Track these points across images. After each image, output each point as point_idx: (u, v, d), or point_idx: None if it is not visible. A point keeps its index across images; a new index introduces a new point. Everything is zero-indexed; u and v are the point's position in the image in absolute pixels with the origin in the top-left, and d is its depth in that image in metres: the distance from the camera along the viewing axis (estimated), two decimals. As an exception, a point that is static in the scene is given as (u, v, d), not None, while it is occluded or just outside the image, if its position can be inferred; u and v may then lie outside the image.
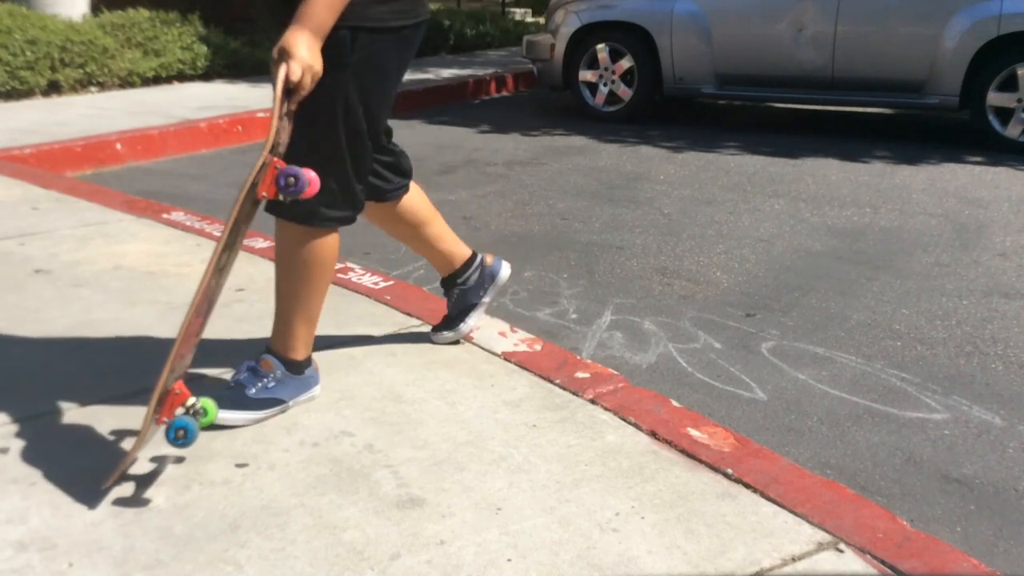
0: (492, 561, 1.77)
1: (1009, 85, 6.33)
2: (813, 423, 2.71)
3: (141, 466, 2.09)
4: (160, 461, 2.11)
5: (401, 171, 2.53)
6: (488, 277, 2.75)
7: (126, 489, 2.00)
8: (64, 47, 7.56)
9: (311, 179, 1.95)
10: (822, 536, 1.87)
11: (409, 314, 3.03)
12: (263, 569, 1.74)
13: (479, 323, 2.86)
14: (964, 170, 5.90)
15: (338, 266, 3.48)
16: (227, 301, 3.11)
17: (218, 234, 3.89)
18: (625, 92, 7.53)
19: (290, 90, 1.97)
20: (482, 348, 2.77)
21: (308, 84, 1.97)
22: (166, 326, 2.90)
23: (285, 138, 2.04)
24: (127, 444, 2.18)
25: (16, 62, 7.25)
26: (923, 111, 7.62)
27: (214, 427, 2.26)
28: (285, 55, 1.94)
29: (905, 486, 2.39)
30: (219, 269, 2.00)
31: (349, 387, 2.50)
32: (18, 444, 2.17)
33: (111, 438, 2.21)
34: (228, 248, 2.00)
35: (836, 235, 4.53)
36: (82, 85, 7.79)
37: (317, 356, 2.69)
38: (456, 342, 2.79)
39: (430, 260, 2.74)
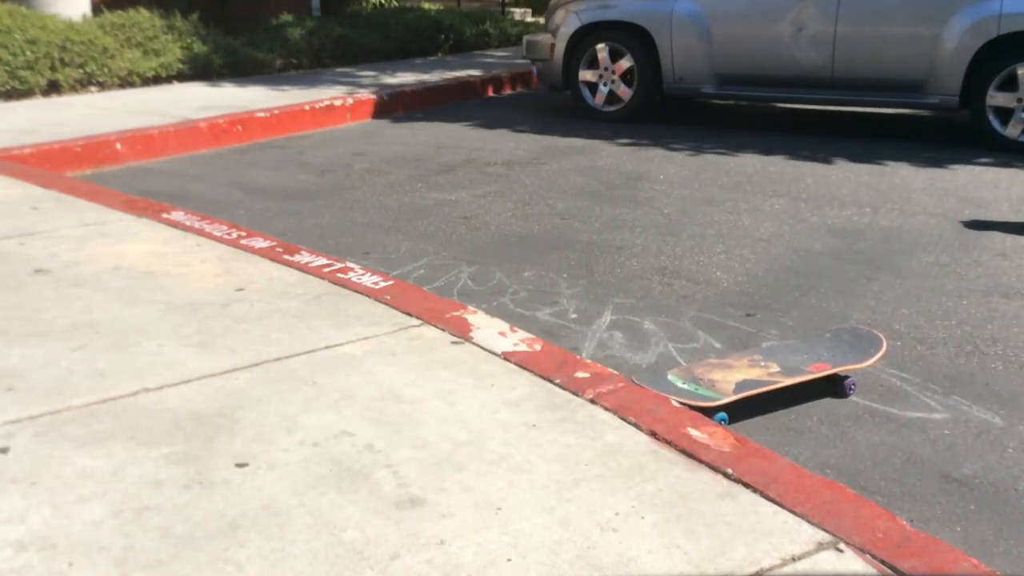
0: (492, 561, 1.77)
1: (1009, 85, 6.32)
2: (813, 423, 2.71)
3: (144, 466, 2.09)
4: (167, 456, 2.11)
5: None
6: None
7: (126, 489, 2.00)
8: (64, 47, 7.56)
9: None
10: (822, 536, 1.87)
11: (409, 314, 3.03)
12: (263, 569, 1.75)
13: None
14: (964, 170, 5.89)
15: (338, 266, 3.49)
16: (227, 301, 3.11)
17: (218, 234, 3.89)
18: (625, 92, 7.53)
19: None
20: (482, 348, 2.77)
21: None
22: (166, 326, 2.90)
23: None
24: (126, 443, 2.18)
25: (16, 62, 7.25)
26: (923, 111, 7.62)
27: (214, 427, 2.26)
28: None
29: (905, 486, 2.39)
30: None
31: (349, 387, 2.50)
32: (18, 444, 2.17)
33: (111, 437, 2.21)
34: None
35: (836, 235, 4.53)
36: (82, 85, 7.79)
37: (317, 356, 2.69)
38: None
39: None
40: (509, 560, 1.78)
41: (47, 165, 5.49)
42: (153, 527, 1.87)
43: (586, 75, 7.64)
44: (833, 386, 2.87)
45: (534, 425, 2.30)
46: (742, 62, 7.14)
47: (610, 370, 2.65)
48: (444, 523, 1.89)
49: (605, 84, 7.59)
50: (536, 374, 2.59)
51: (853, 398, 2.85)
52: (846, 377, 2.87)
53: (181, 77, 8.51)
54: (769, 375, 2.78)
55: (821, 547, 1.84)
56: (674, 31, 7.23)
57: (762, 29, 7.01)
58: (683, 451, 2.19)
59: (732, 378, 2.74)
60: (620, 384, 2.53)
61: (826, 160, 6.19)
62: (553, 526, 1.89)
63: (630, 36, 7.42)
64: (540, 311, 3.52)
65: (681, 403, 2.54)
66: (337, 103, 7.50)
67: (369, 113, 7.77)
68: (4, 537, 1.83)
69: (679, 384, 2.71)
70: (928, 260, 4.15)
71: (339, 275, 3.38)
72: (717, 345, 3.23)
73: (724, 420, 2.61)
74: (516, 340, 2.83)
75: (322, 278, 3.35)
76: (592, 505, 1.96)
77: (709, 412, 2.58)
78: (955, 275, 3.95)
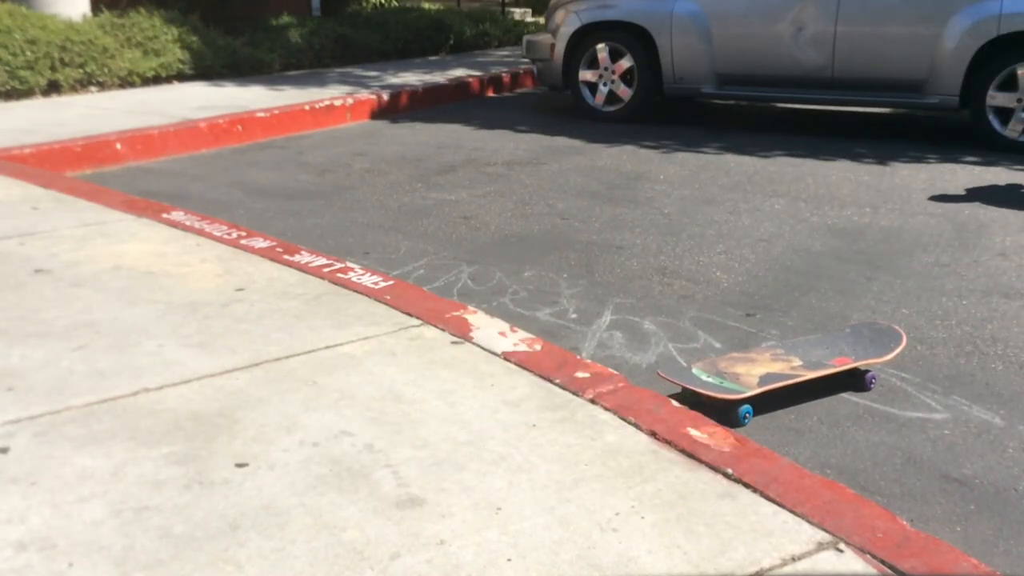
0: (492, 561, 1.77)
1: (1009, 85, 6.32)
2: (813, 423, 2.71)
3: (144, 466, 2.09)
4: (167, 456, 2.11)
5: None
6: None
7: (126, 489, 2.00)
8: (64, 47, 7.56)
9: None
10: (822, 536, 1.88)
11: (409, 314, 3.03)
12: (263, 569, 1.75)
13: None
14: (964, 170, 5.89)
15: (338, 266, 3.49)
16: (227, 301, 3.11)
17: (218, 234, 3.89)
18: (625, 92, 7.53)
19: None
20: (482, 348, 2.77)
21: None
22: (166, 326, 2.90)
23: None
24: (126, 443, 2.18)
25: (16, 62, 7.25)
26: (923, 111, 7.62)
27: (215, 427, 2.26)
28: None
29: (905, 486, 2.39)
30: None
31: (349, 387, 2.50)
32: (18, 444, 2.17)
33: (111, 437, 2.21)
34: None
35: (836, 235, 4.53)
36: (82, 85, 7.79)
37: (318, 356, 2.70)
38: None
39: None
40: (509, 560, 1.78)
41: (47, 165, 5.49)
42: (153, 527, 1.87)
43: (586, 75, 7.64)
44: (854, 380, 2.88)
45: (534, 425, 2.30)
46: (742, 62, 7.14)
47: (610, 370, 2.65)
48: (444, 523, 1.89)
49: (605, 84, 7.59)
50: (536, 374, 2.59)
51: (853, 398, 2.85)
52: (867, 371, 2.88)
53: (181, 77, 8.51)
54: (792, 369, 2.79)
55: (821, 547, 1.84)
56: (674, 31, 7.23)
57: (762, 29, 7.01)
58: (683, 451, 2.19)
59: (756, 371, 2.76)
60: (620, 384, 2.53)
61: (826, 160, 6.19)
62: (553, 526, 1.89)
63: (630, 36, 7.42)
64: (540, 311, 3.52)
65: (707, 395, 2.59)
66: (337, 103, 7.50)
67: (369, 113, 7.77)
68: (4, 537, 1.83)
69: (704, 377, 2.72)
70: (928, 260, 4.15)
71: (339, 275, 3.38)
72: (717, 345, 3.23)
73: (749, 413, 2.62)
74: (516, 340, 2.83)
75: (322, 278, 3.35)
76: (592, 505, 1.96)
77: (733, 405, 2.60)
78: (955, 275, 3.95)
